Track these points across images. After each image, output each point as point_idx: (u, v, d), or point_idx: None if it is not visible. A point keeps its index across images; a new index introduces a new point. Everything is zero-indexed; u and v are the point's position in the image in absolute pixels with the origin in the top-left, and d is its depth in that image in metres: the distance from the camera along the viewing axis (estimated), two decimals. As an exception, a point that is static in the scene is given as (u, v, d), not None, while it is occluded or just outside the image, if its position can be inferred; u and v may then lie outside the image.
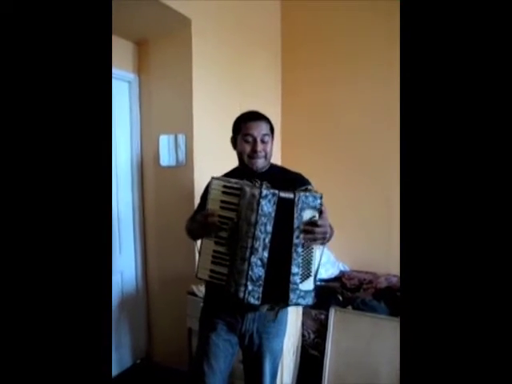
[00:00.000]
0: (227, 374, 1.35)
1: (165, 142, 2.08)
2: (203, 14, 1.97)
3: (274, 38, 2.74)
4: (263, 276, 1.14)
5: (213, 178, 1.18)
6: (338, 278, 2.36)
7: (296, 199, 1.13)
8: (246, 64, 2.39)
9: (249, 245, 1.13)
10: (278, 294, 1.18)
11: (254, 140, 1.27)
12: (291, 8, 2.72)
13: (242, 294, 1.14)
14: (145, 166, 2.22)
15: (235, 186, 1.15)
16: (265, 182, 1.17)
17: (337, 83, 2.61)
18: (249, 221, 1.12)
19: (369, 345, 1.87)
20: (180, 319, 2.04)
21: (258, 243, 1.13)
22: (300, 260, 1.17)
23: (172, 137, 2.05)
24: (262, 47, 2.59)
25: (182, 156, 2.03)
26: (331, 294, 2.10)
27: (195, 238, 1.35)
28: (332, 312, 1.97)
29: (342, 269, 2.50)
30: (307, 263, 1.19)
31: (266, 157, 1.30)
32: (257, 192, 1.11)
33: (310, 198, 1.15)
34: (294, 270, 1.16)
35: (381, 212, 2.49)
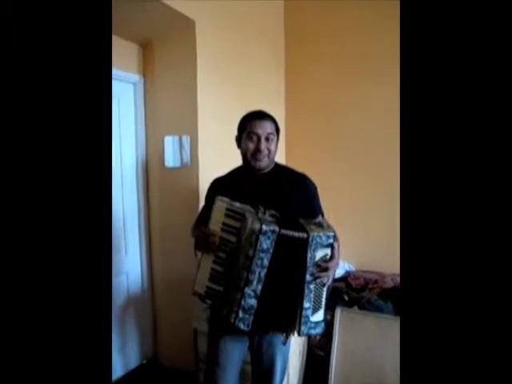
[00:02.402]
0: (238, 373, 1.37)
1: (169, 143, 2.08)
2: (207, 16, 1.97)
3: (277, 38, 2.73)
4: (255, 306, 1.15)
5: (217, 199, 1.19)
6: (343, 278, 2.35)
7: (310, 240, 1.13)
8: (250, 65, 2.39)
9: (243, 276, 1.13)
10: (285, 323, 1.21)
11: (258, 138, 1.27)
12: (295, 8, 2.71)
13: (232, 320, 1.16)
14: (150, 168, 2.23)
15: (238, 210, 1.16)
16: (269, 211, 1.17)
17: (341, 83, 2.59)
18: (246, 254, 1.13)
19: (375, 344, 1.86)
20: (186, 320, 2.04)
21: (252, 276, 1.13)
22: (312, 295, 1.18)
23: (177, 138, 2.06)
24: (266, 48, 2.59)
25: (186, 157, 2.03)
26: (337, 294, 2.09)
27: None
28: (338, 312, 1.97)
29: (348, 269, 2.49)
30: (318, 298, 1.21)
31: (269, 156, 1.30)
32: (257, 227, 1.10)
33: (324, 238, 1.15)
34: (306, 304, 1.17)
35: (386, 211, 2.48)
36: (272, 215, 1.17)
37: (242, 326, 1.16)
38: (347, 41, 2.55)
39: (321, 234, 1.15)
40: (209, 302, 1.27)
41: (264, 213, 1.16)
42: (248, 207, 1.17)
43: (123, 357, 2.19)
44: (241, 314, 1.15)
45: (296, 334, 1.22)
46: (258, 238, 1.10)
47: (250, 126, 1.29)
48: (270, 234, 1.10)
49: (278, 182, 1.32)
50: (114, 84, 2.04)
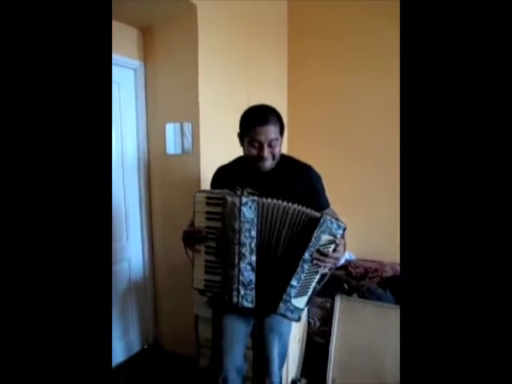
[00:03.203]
0: (244, 346, 1.39)
1: (171, 130, 2.07)
2: (208, 0, 1.94)
3: (280, 26, 2.69)
4: (254, 279, 1.19)
5: (196, 193, 1.22)
6: (343, 267, 2.37)
7: (321, 221, 1.15)
8: (252, 52, 2.36)
9: (236, 251, 1.17)
10: (269, 298, 1.21)
11: (261, 145, 1.23)
12: (298, 1, 2.67)
13: (235, 299, 1.19)
14: (151, 155, 2.22)
15: (218, 196, 1.18)
16: (246, 189, 1.20)
17: (344, 74, 2.57)
18: (233, 228, 1.16)
19: (374, 333, 1.88)
20: (186, 306, 2.06)
21: (244, 248, 1.16)
22: (302, 276, 1.19)
23: (178, 125, 2.04)
24: (269, 35, 2.55)
25: (187, 144, 2.02)
26: (337, 282, 2.11)
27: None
28: (338, 300, 1.98)
29: (348, 257, 2.50)
30: (308, 282, 1.22)
31: (273, 158, 1.27)
32: (237, 200, 1.14)
33: (335, 225, 1.17)
34: (294, 282, 1.19)
35: (387, 201, 2.48)
36: (249, 192, 1.20)
37: (245, 303, 1.19)
38: (352, 32, 2.53)
39: (333, 220, 1.16)
40: (209, 294, 1.30)
41: (242, 192, 1.20)
42: (226, 191, 1.20)
43: (125, 342, 2.22)
44: (242, 291, 1.18)
45: (273, 311, 1.22)
46: (240, 210, 1.14)
47: (252, 131, 1.22)
48: (250, 203, 1.14)
49: (282, 173, 1.31)
50: (114, 69, 2.01)
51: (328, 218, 1.15)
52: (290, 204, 1.16)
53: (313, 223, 1.15)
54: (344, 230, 1.18)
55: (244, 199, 1.13)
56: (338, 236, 1.18)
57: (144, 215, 2.26)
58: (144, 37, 2.14)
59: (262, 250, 1.18)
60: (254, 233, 1.16)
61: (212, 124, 2.04)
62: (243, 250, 1.16)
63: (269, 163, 1.26)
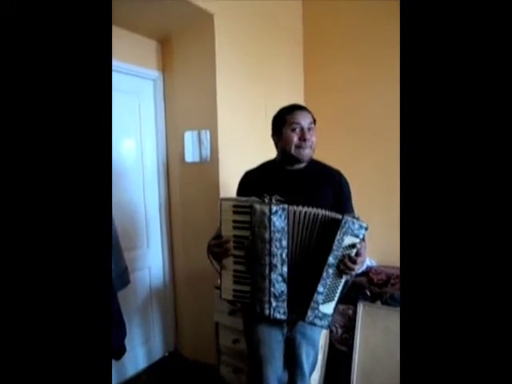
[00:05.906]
0: (282, 358, 1.35)
1: (189, 138, 2.09)
2: (225, 9, 1.96)
3: (296, 31, 2.70)
4: (286, 291, 1.16)
5: (221, 200, 1.19)
6: (364, 273, 2.32)
7: (343, 222, 1.13)
8: (269, 59, 2.37)
9: (266, 262, 1.14)
10: (298, 306, 1.19)
11: (302, 129, 1.27)
12: (313, 4, 2.67)
13: (267, 312, 1.16)
14: (170, 163, 2.25)
15: (245, 204, 1.16)
16: (274, 196, 1.17)
17: (361, 81, 2.54)
18: (263, 238, 1.13)
19: (398, 340, 1.83)
20: (207, 313, 2.06)
21: (275, 259, 1.14)
22: (328, 282, 1.17)
23: (196, 133, 2.06)
24: (285, 41, 2.56)
25: (205, 152, 2.04)
26: (358, 289, 2.07)
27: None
28: (360, 307, 1.95)
29: (369, 264, 2.46)
30: (334, 287, 1.19)
31: (311, 146, 1.30)
32: (267, 209, 1.11)
33: (356, 225, 1.15)
34: (320, 289, 1.16)
35: (408, 205, 2.43)
36: (277, 200, 1.16)
37: (278, 315, 1.17)
38: (365, 36, 2.49)
39: (355, 220, 1.14)
40: (239, 304, 1.27)
41: (270, 199, 1.16)
42: (253, 198, 1.17)
43: (146, 349, 2.23)
44: (274, 303, 1.16)
45: (302, 319, 1.20)
46: (270, 219, 1.11)
47: (291, 117, 1.28)
48: (280, 212, 1.12)
49: (311, 178, 1.30)
50: (134, 80, 2.06)
51: (349, 218, 1.14)
52: (318, 209, 1.15)
53: (335, 225, 1.13)
54: (366, 229, 1.16)
55: (274, 208, 1.11)
56: (361, 236, 1.16)
57: (164, 223, 2.28)
58: (162, 48, 2.18)
59: (292, 259, 1.15)
60: (284, 242, 1.13)
61: (230, 131, 2.05)
62: (274, 261, 1.13)
63: (308, 151, 1.28)
